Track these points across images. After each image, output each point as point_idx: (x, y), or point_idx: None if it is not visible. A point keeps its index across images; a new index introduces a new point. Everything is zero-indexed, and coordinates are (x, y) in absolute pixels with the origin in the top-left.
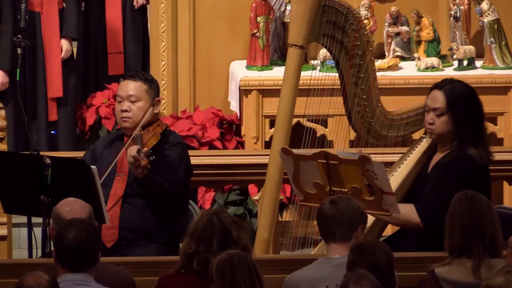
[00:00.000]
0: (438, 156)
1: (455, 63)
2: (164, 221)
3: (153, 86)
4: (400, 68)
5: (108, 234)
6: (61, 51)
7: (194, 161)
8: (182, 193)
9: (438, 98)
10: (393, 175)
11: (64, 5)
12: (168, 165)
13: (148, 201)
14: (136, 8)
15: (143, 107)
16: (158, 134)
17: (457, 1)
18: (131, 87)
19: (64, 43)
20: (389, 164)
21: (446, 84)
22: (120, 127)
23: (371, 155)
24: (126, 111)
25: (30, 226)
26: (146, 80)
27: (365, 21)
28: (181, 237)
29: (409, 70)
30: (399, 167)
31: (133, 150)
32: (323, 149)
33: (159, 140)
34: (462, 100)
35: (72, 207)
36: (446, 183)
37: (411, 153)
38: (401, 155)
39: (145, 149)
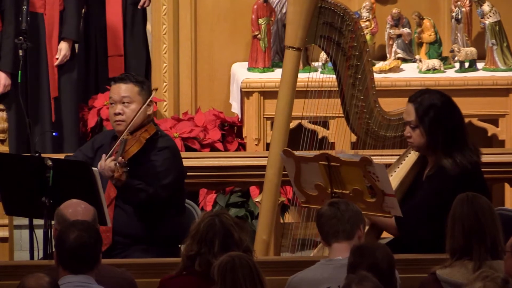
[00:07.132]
0: (429, 165)
1: (457, 65)
2: (157, 224)
3: (145, 88)
4: (402, 70)
5: (102, 237)
6: (60, 54)
7: (195, 163)
8: (175, 197)
9: (410, 112)
10: (391, 176)
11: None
12: (153, 171)
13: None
14: (139, 7)
15: (136, 109)
16: (142, 140)
17: (459, 3)
18: (123, 89)
19: (64, 46)
20: (387, 166)
21: (418, 97)
22: (115, 130)
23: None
24: (119, 114)
25: (31, 228)
26: (137, 81)
27: (367, 23)
28: (179, 239)
29: (410, 72)
30: (398, 167)
31: (110, 163)
32: (324, 151)
33: (143, 146)
34: (431, 111)
35: (75, 209)
36: (421, 196)
37: (409, 153)
38: (399, 156)
39: (120, 158)
